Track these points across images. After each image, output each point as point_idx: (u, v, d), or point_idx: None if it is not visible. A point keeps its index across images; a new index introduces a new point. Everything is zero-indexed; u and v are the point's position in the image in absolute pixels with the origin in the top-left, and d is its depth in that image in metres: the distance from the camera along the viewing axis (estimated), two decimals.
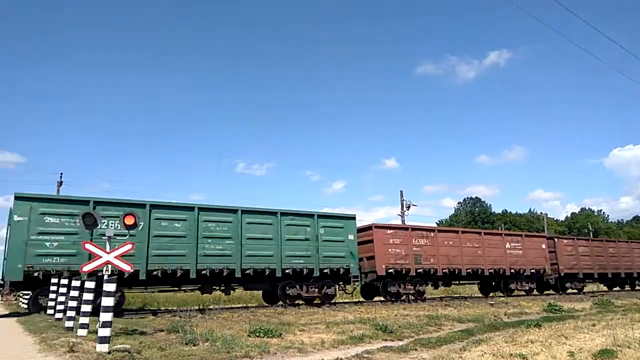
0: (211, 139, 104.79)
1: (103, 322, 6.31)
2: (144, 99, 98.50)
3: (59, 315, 10.35)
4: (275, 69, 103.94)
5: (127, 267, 8.64)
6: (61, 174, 34.76)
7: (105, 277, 7.40)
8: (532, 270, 22.37)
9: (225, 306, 17.46)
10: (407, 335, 9.60)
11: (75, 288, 9.37)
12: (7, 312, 15.12)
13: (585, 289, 26.57)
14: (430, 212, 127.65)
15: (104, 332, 6.26)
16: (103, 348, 6.18)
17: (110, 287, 6.67)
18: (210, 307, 16.24)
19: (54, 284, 11.36)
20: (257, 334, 8.81)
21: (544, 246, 23.37)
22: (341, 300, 18.78)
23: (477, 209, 74.94)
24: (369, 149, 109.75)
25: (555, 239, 24.86)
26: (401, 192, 36.98)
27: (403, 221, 34.86)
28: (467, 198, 77.87)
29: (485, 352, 6.70)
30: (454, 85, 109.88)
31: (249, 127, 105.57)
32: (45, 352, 6.39)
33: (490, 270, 20.78)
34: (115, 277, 7.12)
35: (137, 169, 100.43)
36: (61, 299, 10.58)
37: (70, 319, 8.85)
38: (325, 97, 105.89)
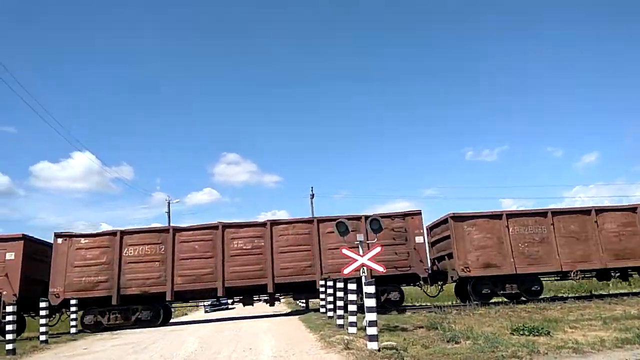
0: (433, 126, 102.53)
1: (369, 321, 6.86)
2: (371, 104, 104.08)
3: (330, 314, 11.74)
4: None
5: (380, 269, 9.32)
6: (312, 187, 39.59)
7: (364, 279, 8.09)
8: None
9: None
10: None
11: (340, 289, 10.49)
12: (289, 310, 17.95)
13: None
14: None
15: (372, 330, 6.81)
16: (373, 345, 6.72)
17: (370, 289, 7.21)
18: (463, 303, 16.05)
19: (322, 286, 12.98)
20: (521, 332, 8.32)
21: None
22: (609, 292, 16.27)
23: None
24: (628, 107, 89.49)
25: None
26: None
27: None
28: None
29: None
30: None
31: (474, 109, 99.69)
32: (326, 349, 7.30)
33: None
34: (374, 279, 7.68)
35: (369, 172, 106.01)
36: (330, 299, 12.00)
37: (340, 317, 9.94)
38: (568, 59, 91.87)
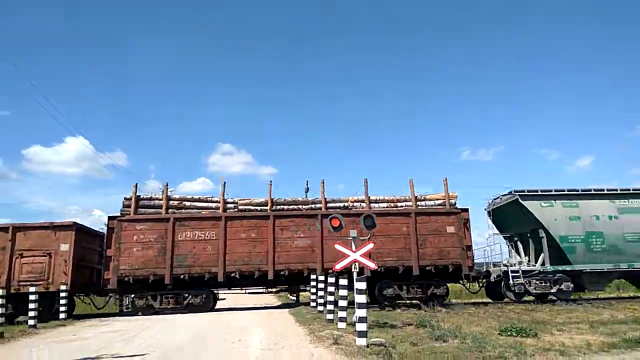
0: (433, 126, 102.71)
1: (359, 317, 6.88)
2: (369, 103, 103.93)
3: (320, 308, 11.77)
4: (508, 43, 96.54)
5: (372, 265, 9.34)
6: (307, 181, 39.87)
7: (355, 276, 8.10)
8: None
9: (468, 301, 17.11)
10: None
11: (331, 284, 10.52)
12: (280, 303, 18.00)
13: None
14: None
15: (361, 326, 6.83)
16: (362, 342, 6.74)
17: (361, 285, 7.23)
18: (453, 301, 16.16)
19: (313, 280, 13.02)
20: (509, 333, 8.37)
21: None
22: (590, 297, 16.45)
23: None
24: (621, 113, 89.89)
25: None
26: None
27: None
28: None
29: None
30: None
31: (473, 107, 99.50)
32: (315, 343, 7.32)
33: None
34: (365, 276, 7.70)
35: (365, 170, 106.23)
36: (321, 293, 12.03)
37: (330, 312, 9.97)
38: (565, 63, 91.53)
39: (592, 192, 15.84)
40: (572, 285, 14.81)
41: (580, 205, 15.52)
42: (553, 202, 15.48)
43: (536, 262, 15.55)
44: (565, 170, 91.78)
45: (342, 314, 8.79)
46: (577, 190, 15.80)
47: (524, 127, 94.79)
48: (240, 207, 15.09)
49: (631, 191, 15.88)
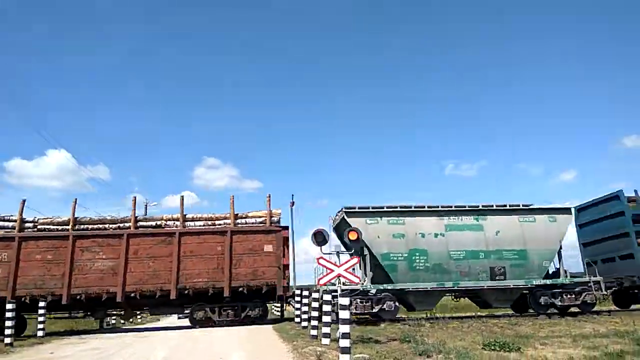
0: (419, 139, 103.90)
1: (343, 333, 6.82)
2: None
3: (304, 324, 11.68)
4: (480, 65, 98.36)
5: (356, 280, 9.33)
6: (292, 195, 39.93)
7: (339, 291, 8.08)
8: None
9: (453, 315, 17.13)
10: None
11: (315, 300, 10.45)
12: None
13: None
14: None
15: (345, 343, 6.76)
16: (345, 358, 6.66)
17: (344, 300, 7.19)
18: (437, 315, 16.15)
19: (298, 295, 12.93)
20: (492, 347, 8.34)
21: None
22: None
23: None
24: (604, 127, 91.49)
25: None
26: None
27: None
28: None
29: None
30: None
31: (456, 125, 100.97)
32: (298, 359, 7.24)
33: None
34: (347, 291, 7.67)
35: (350, 180, 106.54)
36: (305, 308, 11.94)
37: (314, 327, 9.89)
38: (548, 72, 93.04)
39: (422, 209, 15.02)
40: (395, 305, 14.03)
41: (406, 222, 14.69)
42: (379, 219, 14.62)
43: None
44: (548, 184, 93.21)
45: (325, 329, 8.73)
46: (410, 207, 14.96)
47: (508, 141, 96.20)
48: (39, 227, 14.57)
49: (465, 208, 15.14)
